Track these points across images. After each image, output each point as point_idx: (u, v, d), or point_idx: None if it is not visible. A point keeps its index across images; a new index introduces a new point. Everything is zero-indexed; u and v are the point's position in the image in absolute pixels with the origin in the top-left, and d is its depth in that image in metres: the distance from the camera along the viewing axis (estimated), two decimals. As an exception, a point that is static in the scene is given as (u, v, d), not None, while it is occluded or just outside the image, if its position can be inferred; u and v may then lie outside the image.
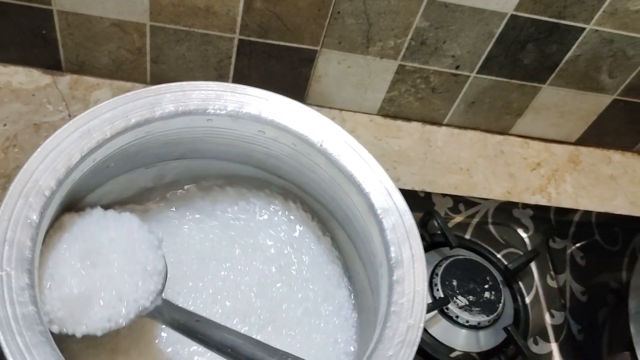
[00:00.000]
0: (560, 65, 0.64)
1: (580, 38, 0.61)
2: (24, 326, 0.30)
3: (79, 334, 0.35)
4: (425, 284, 0.36)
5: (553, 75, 0.66)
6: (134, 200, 0.47)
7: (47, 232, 0.37)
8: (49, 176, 0.35)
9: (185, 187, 0.48)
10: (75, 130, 0.37)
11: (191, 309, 0.41)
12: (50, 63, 0.64)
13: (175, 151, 0.45)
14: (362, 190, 0.40)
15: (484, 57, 0.63)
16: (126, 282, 0.37)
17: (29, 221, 0.33)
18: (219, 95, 0.41)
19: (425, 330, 0.54)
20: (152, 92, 0.40)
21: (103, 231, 0.39)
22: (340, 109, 0.70)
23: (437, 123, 0.72)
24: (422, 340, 0.54)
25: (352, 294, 0.46)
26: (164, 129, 0.41)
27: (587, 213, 0.67)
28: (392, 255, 0.38)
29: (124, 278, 0.37)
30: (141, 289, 0.37)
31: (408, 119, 0.71)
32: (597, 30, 0.61)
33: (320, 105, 0.70)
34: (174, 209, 0.47)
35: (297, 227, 0.47)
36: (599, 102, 0.69)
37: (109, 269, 0.37)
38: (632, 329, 0.52)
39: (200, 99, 0.41)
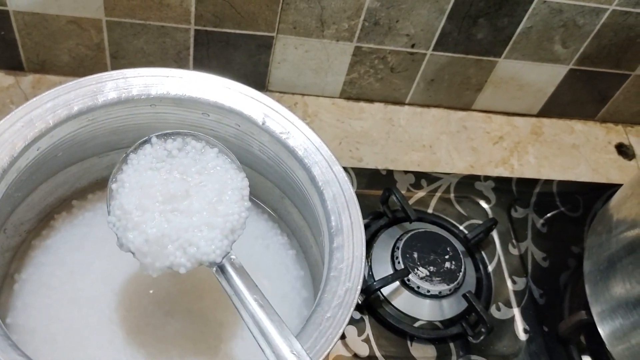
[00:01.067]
0: (514, 38, 0.65)
1: (530, 10, 0.62)
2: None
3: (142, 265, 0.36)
4: (364, 249, 0.38)
5: (507, 48, 0.67)
6: (90, 191, 0.48)
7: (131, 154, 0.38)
8: (-8, 165, 0.36)
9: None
10: (18, 120, 0.38)
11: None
12: (12, 64, 0.65)
13: (125, 138, 0.46)
14: (304, 164, 0.41)
15: (437, 34, 0.64)
16: (202, 236, 0.36)
17: (-28, 208, 0.35)
18: (161, 80, 0.42)
19: (388, 302, 0.56)
20: (94, 80, 0.41)
21: (195, 174, 0.38)
22: (303, 94, 0.71)
23: (400, 103, 0.73)
24: (386, 312, 0.55)
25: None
26: (108, 116, 0.42)
27: (549, 182, 0.68)
28: (333, 224, 0.39)
29: (201, 231, 0.36)
30: (215, 245, 0.37)
31: (370, 100, 0.72)
32: (545, 1, 0.62)
33: (282, 91, 0.71)
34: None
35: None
36: (555, 73, 0.70)
37: (189, 218, 0.37)
38: (587, 289, 0.53)
39: (143, 85, 0.42)
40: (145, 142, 0.40)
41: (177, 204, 0.37)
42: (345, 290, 0.36)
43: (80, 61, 0.65)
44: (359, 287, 0.36)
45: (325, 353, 0.33)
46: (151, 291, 0.43)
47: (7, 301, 0.41)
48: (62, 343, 0.40)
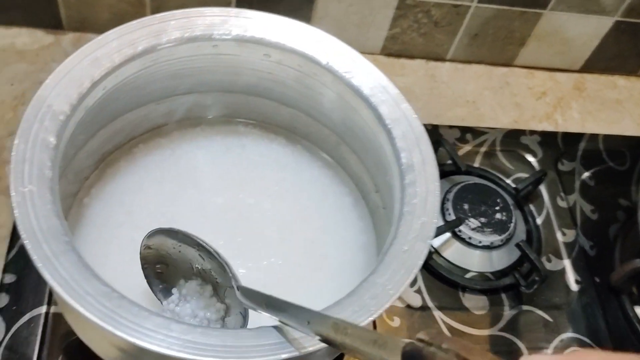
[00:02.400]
0: (561, -12, 0.64)
1: (579, -42, 0.61)
2: (50, 236, 0.31)
3: None
4: (437, 183, 0.37)
5: (554, -1, 0.65)
6: (144, 140, 0.48)
7: None
8: (62, 101, 0.36)
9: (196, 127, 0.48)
10: (85, 57, 0.38)
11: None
12: (52, 22, 0.65)
13: (184, 84, 0.45)
14: (370, 103, 0.41)
15: (483, -16, 0.63)
16: None
17: (46, 143, 0.34)
18: (224, 20, 0.41)
19: (439, 253, 0.55)
20: (157, 20, 0.40)
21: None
22: (343, 51, 0.70)
23: (441, 59, 0.72)
24: (437, 264, 0.55)
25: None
26: (170, 57, 0.41)
27: (594, 136, 0.67)
28: (403, 161, 0.38)
29: None
30: None
31: (411, 56, 0.71)
32: (595, -52, 0.60)
33: (322, 48, 0.70)
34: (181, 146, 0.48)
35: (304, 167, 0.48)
36: (600, 26, 0.69)
37: None
38: (644, 238, 0.52)
39: (206, 25, 0.41)
40: None
41: None
42: (420, 223, 0.35)
43: (121, 18, 0.64)
44: (435, 221, 0.36)
45: (406, 284, 0.33)
46: (209, 230, 0.43)
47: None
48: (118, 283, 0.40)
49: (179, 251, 0.38)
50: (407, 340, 0.23)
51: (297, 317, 0.29)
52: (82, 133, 0.41)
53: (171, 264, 0.39)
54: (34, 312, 0.48)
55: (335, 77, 0.42)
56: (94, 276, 0.31)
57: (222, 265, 0.36)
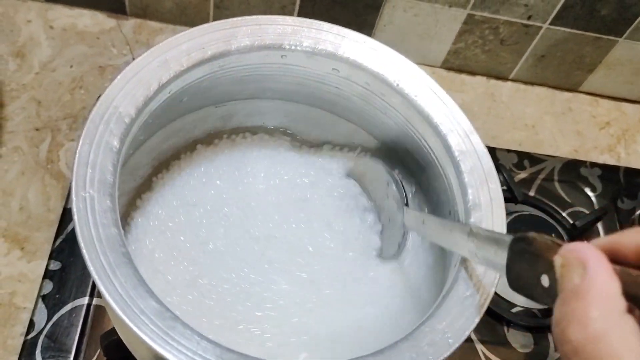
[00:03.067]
0: (640, 18, 0.61)
1: (665, -13, 0.58)
2: (108, 247, 0.30)
3: None
4: (504, 227, 0.35)
5: (631, 28, 0.62)
6: (200, 141, 0.47)
7: None
8: (128, 104, 0.35)
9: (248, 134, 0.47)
10: (154, 59, 0.37)
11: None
12: (115, 7, 0.64)
13: (246, 90, 0.44)
14: (439, 132, 0.39)
15: (559, 6, 0.60)
16: None
17: (110, 146, 0.34)
18: (295, 30, 0.40)
19: (487, 284, 0.53)
20: (228, 25, 0.39)
21: None
22: (403, 61, 0.68)
23: (503, 78, 0.69)
24: (484, 294, 0.53)
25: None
26: (238, 63, 0.40)
27: (659, 174, 0.64)
28: (470, 197, 0.36)
29: None
30: None
31: (472, 72, 0.69)
32: (684, -21, 0.57)
33: (382, 56, 0.68)
34: (238, 152, 0.47)
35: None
36: (678, 59, 0.65)
37: None
38: None
39: (277, 34, 0.40)
40: None
41: None
42: (484, 268, 0.34)
43: (183, 9, 0.64)
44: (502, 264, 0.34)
45: (467, 333, 0.32)
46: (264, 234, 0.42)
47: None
48: (174, 282, 0.40)
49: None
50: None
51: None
52: (142, 134, 0.40)
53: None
54: (76, 302, 0.48)
55: (404, 100, 0.40)
56: (149, 292, 0.30)
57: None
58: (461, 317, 0.32)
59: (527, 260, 0.26)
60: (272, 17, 0.40)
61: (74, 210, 0.31)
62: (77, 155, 0.33)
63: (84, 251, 0.30)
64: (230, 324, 0.39)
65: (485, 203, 0.36)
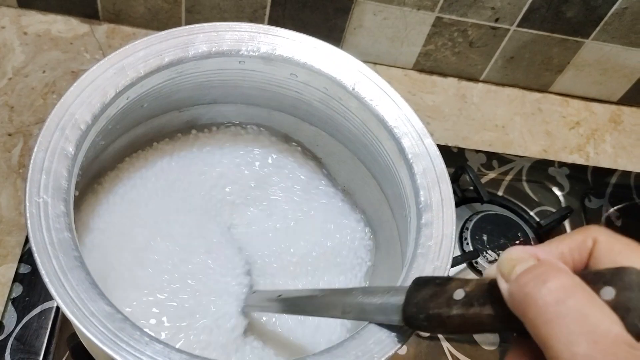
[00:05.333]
0: (605, 19, 0.62)
1: (628, -11, 0.59)
2: (60, 250, 0.31)
3: None
4: (454, 227, 0.36)
5: (597, 29, 0.63)
6: (165, 142, 0.48)
7: None
8: (84, 110, 0.36)
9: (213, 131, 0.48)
10: (110, 67, 0.38)
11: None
12: (88, 12, 0.65)
13: (208, 95, 0.45)
14: (393, 134, 0.40)
15: (525, 9, 0.61)
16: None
17: (65, 152, 0.34)
18: (252, 36, 0.41)
19: (453, 283, 0.54)
20: (185, 32, 0.40)
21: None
22: (375, 63, 0.69)
23: (474, 79, 0.70)
24: (450, 293, 0.54)
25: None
26: (196, 69, 0.41)
27: (626, 173, 0.65)
28: (422, 199, 0.37)
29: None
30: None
31: (444, 74, 0.70)
32: (646, -19, 0.58)
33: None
34: (202, 150, 0.47)
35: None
36: (645, 59, 0.66)
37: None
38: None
39: (234, 40, 0.40)
40: None
41: None
42: (433, 268, 0.34)
43: (155, 13, 0.65)
44: (448, 267, 0.35)
45: (412, 332, 0.32)
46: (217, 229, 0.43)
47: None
48: (128, 275, 0.40)
49: None
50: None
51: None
52: (103, 139, 0.41)
53: None
54: (46, 305, 0.49)
55: (360, 104, 0.41)
56: (100, 295, 0.31)
57: None
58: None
59: (432, 287, 0.26)
60: (229, 24, 0.41)
61: (27, 215, 0.32)
62: (31, 161, 0.33)
63: (35, 255, 0.31)
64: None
65: (437, 204, 0.37)
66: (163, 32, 0.40)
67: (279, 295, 0.36)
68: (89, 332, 0.29)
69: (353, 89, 0.41)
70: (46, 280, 0.30)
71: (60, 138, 0.35)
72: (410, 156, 0.39)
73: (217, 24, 0.41)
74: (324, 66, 0.41)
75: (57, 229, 0.32)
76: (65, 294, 0.30)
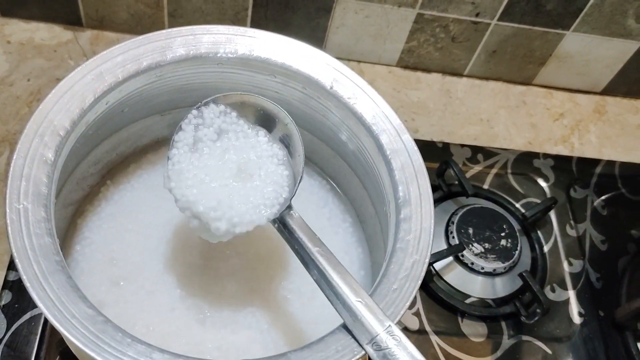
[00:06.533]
0: (585, 10, 0.62)
1: (606, -20, 0.59)
2: (41, 255, 0.32)
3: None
4: (432, 221, 0.37)
5: (577, 20, 0.64)
6: (151, 150, 0.48)
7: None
8: (63, 117, 0.36)
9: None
10: (88, 72, 0.38)
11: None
12: (71, 19, 0.65)
13: (189, 97, 0.45)
14: (371, 131, 0.40)
15: (505, 3, 0.62)
16: (261, 195, 0.37)
17: (44, 159, 0.35)
18: (230, 38, 0.41)
19: (440, 277, 0.55)
20: (163, 36, 0.40)
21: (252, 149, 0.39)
22: (359, 61, 0.69)
23: (458, 74, 0.71)
24: (438, 287, 0.54)
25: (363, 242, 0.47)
26: (175, 73, 0.41)
27: (611, 163, 0.65)
28: (400, 194, 0.38)
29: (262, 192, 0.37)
30: (271, 201, 0.37)
31: (428, 70, 0.70)
32: (623, -28, 0.58)
33: (338, 57, 0.68)
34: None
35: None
36: (625, 49, 0.67)
37: (251, 182, 0.38)
38: (652, 275, 0.51)
39: (211, 43, 0.41)
40: (207, 103, 0.39)
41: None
42: (412, 262, 0.35)
43: (139, 19, 0.65)
44: (427, 260, 0.35)
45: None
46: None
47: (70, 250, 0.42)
48: (122, 287, 0.41)
49: None
50: None
51: None
52: (84, 145, 0.41)
53: None
54: (35, 311, 0.49)
55: (338, 102, 0.41)
56: (81, 298, 0.31)
57: None
58: (388, 309, 0.33)
59: None
60: (207, 27, 0.41)
61: (7, 221, 0.32)
62: (11, 168, 0.34)
63: (16, 260, 0.31)
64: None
65: (415, 198, 0.37)
66: (141, 37, 0.40)
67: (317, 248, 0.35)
68: (71, 334, 0.30)
69: (331, 88, 0.41)
70: (27, 284, 0.31)
71: (39, 145, 0.35)
72: (388, 152, 0.39)
73: (195, 27, 0.41)
74: (302, 66, 0.42)
75: (37, 235, 0.32)
76: (47, 298, 0.30)
